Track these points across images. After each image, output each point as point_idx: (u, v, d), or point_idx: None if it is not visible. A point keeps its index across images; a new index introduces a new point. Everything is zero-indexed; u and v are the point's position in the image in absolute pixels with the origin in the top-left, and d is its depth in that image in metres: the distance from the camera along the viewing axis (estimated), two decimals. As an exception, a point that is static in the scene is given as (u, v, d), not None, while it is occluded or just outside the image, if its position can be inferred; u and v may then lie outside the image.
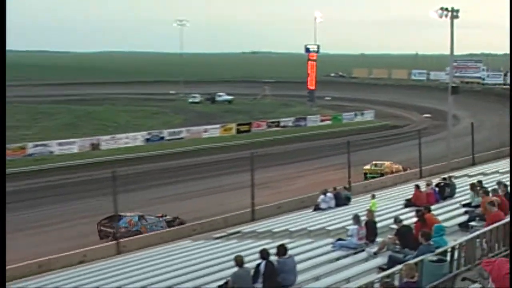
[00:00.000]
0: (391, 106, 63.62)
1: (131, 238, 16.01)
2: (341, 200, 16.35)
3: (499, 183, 12.25)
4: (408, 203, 13.97)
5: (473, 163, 24.94)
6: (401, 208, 13.96)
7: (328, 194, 16.36)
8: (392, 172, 25.89)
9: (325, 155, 33.50)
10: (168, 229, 17.01)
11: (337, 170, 26.22)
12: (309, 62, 60.14)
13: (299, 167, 29.87)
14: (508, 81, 73.90)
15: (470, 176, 18.86)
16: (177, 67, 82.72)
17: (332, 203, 16.16)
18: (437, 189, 14.31)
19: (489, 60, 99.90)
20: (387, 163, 26.99)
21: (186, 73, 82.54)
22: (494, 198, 10.21)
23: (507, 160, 21.50)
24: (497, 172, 18.64)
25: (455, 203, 13.37)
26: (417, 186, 14.45)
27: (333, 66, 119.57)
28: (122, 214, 16.95)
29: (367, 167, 26.25)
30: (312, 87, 60.41)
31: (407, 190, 17.48)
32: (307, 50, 60.50)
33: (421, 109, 60.15)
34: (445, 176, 16.20)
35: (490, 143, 36.17)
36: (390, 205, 14.88)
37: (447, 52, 25.72)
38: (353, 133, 43.85)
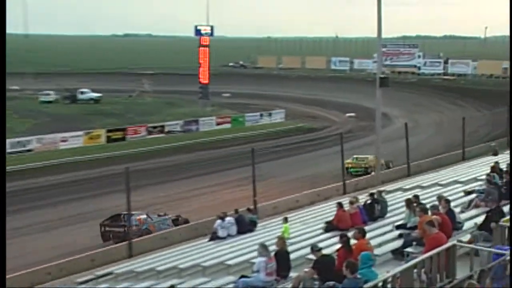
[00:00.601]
0: (306, 104, 66.73)
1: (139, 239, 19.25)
2: (245, 226, 16.83)
3: (440, 198, 13.04)
4: (329, 226, 14.51)
5: (408, 174, 26.32)
6: (321, 233, 14.51)
7: (228, 219, 16.73)
8: (374, 167, 29.84)
9: (223, 168, 34.25)
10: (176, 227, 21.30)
11: (239, 187, 27.13)
12: (201, 48, 59.95)
13: (190, 185, 30.05)
14: (450, 70, 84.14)
15: (404, 190, 20.03)
16: (21, 53, 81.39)
17: (233, 229, 16.56)
18: (364, 207, 15.02)
19: (426, 44, 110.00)
20: (370, 156, 32.20)
21: (34, 61, 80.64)
22: (434, 216, 10.76)
23: (450, 169, 24.42)
24: (437, 184, 19.92)
25: (387, 224, 14.09)
26: (340, 205, 14.91)
27: (232, 54, 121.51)
28: (124, 213, 20.38)
29: (349, 160, 31.01)
30: (206, 81, 60.50)
31: (327, 210, 18.37)
32: (198, 32, 60.28)
33: (343, 107, 63.93)
34: (374, 191, 16.96)
35: (429, 148, 39.38)
36: (307, 230, 15.41)
37: (374, 34, 26.76)
38: (259, 139, 45.40)
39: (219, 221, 16.69)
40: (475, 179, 19.25)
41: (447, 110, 59.96)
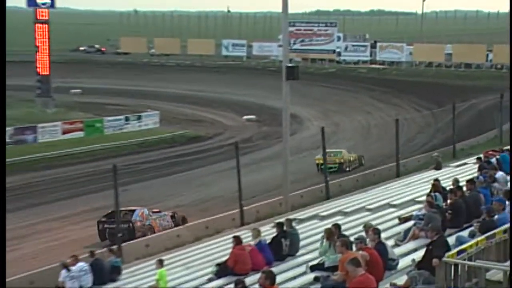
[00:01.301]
0: (189, 103, 67.41)
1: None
2: (104, 273, 16.78)
3: (367, 227, 13.56)
4: (222, 270, 14.63)
5: (328, 197, 27.15)
6: (210, 280, 14.69)
7: (80, 265, 16.55)
8: (349, 162, 38.07)
9: (73, 194, 34.17)
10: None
11: (94, 220, 26.86)
12: (38, 25, 58.73)
13: (23, 218, 29.80)
14: (378, 57, 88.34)
15: (322, 218, 20.78)
16: None
17: (88, 279, 16.36)
18: (269, 243, 15.24)
19: (347, 22, 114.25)
20: (344, 150, 39.03)
21: None
22: (361, 252, 11.20)
23: (381, 188, 25.69)
24: (364, 209, 20.92)
25: (299, 264, 14.45)
26: (237, 240, 14.96)
27: (84, 34, 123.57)
28: (123, 209, 24.81)
29: (319, 156, 35.53)
30: (46, 72, 59.38)
31: (219, 248, 18.70)
32: (32, 2, 58.88)
33: (240, 107, 65.30)
34: (282, 220, 17.22)
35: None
36: (191, 276, 15.56)
37: (278, 9, 27.22)
38: (125, 152, 45.51)
39: (64, 271, 16.44)
40: (413, 201, 20.16)
41: (376, 109, 62.89)
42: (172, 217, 27.65)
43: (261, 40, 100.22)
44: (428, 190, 18.18)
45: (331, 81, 77.42)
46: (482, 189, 16.94)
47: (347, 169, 37.74)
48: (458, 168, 26.78)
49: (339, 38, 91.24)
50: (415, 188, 23.42)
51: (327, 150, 35.78)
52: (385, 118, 55.28)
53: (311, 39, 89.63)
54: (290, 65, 28.19)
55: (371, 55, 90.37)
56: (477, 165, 22.47)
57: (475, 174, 20.35)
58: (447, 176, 23.19)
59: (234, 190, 26.49)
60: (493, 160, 22.37)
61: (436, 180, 18.66)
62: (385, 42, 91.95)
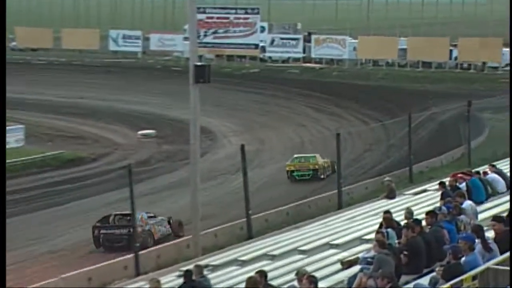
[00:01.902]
0: (66, 114, 66.78)
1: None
2: None
3: (300, 273, 13.69)
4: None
5: (249, 236, 27.51)
6: None
7: None
8: (324, 169, 42.81)
9: None
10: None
11: None
12: None
13: None
14: (315, 53, 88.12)
15: (243, 263, 21.02)
16: None
17: None
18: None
19: (273, 7, 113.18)
20: (317, 155, 43.88)
21: None
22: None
23: (318, 224, 25.93)
24: (296, 251, 21.15)
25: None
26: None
27: None
28: (117, 213, 32.09)
29: (289, 162, 43.17)
30: None
31: None
32: None
33: (134, 119, 65.12)
34: (190, 267, 17.18)
35: (283, 188, 41.98)
36: None
37: None
38: None
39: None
40: (359, 240, 20.49)
41: (312, 121, 63.78)
42: (169, 222, 33.11)
43: (161, 32, 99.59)
44: (378, 226, 18.44)
45: (254, 85, 78.24)
46: (446, 223, 17.12)
47: (322, 176, 42.43)
48: (416, 197, 27.40)
49: (263, 29, 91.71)
50: (361, 223, 23.79)
51: (297, 156, 43.49)
52: (323, 132, 56.14)
53: (227, 29, 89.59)
54: (199, 63, 28.32)
55: (304, 51, 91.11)
56: (439, 192, 22.92)
57: (437, 204, 20.70)
58: (402, 206, 23.51)
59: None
60: (463, 185, 22.80)
61: (388, 212, 18.98)
62: (322, 34, 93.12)
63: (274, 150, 53.17)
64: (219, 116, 62.20)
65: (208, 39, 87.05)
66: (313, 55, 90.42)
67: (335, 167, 40.38)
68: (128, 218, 30.25)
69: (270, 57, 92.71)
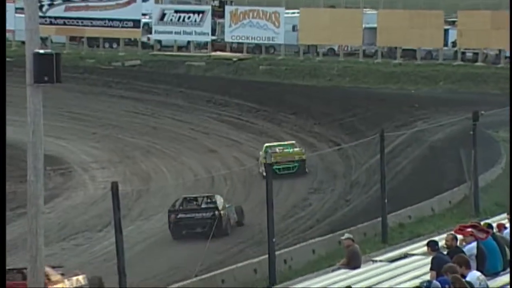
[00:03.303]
0: None
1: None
2: None
3: None
4: None
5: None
6: None
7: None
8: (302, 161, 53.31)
9: None
10: None
11: None
12: None
13: None
14: (229, 35, 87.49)
15: None
16: None
17: None
18: None
19: None
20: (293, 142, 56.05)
21: None
22: None
23: None
24: None
25: None
26: None
27: None
28: (193, 196, 45.65)
29: (263, 153, 51.14)
30: None
31: None
32: None
33: None
34: None
35: (185, 252, 42.29)
36: None
37: None
38: None
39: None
40: None
41: (231, 143, 63.98)
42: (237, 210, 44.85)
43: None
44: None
45: (133, 86, 79.27)
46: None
47: (307, 170, 52.06)
48: (393, 265, 27.44)
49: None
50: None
51: (269, 144, 53.04)
52: (246, 161, 56.68)
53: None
54: (42, 51, 27.87)
55: (214, 32, 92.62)
56: (429, 258, 22.87)
57: (426, 277, 20.90)
58: (371, 280, 23.64)
59: None
60: (468, 247, 22.56)
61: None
62: (243, 5, 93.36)
63: (166, 193, 52.99)
64: (77, 136, 62.03)
65: (57, 11, 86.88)
66: (228, 39, 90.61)
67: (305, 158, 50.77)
68: (208, 201, 41.06)
69: (159, 42, 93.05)
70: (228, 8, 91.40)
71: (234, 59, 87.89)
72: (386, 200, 36.52)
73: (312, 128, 65.25)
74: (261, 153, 49.79)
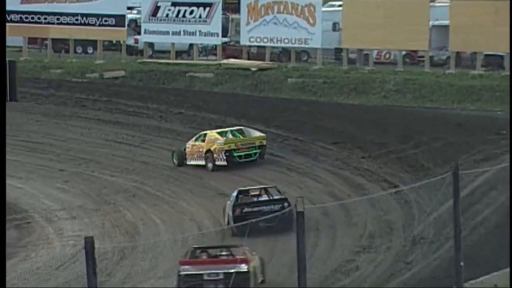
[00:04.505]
0: None
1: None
2: None
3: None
4: None
5: None
6: None
7: None
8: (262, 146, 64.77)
9: None
10: None
11: None
12: None
13: None
14: (245, 38, 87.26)
15: None
16: None
17: None
18: None
19: None
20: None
21: None
22: None
23: None
24: None
25: None
26: None
27: None
28: (242, 188, 56.52)
29: (222, 141, 62.91)
30: None
31: None
32: None
33: None
34: None
35: None
36: None
37: None
38: None
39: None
40: None
41: (233, 180, 63.41)
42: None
43: None
44: None
45: (116, 105, 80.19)
46: None
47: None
48: None
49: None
50: None
51: (220, 131, 59.56)
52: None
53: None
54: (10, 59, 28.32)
55: (226, 33, 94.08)
56: None
57: None
58: None
59: None
60: None
61: None
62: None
63: (158, 250, 53.03)
64: (38, 174, 62.30)
65: (11, 2, 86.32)
66: (244, 41, 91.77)
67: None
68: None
69: (150, 45, 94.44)
70: (245, 0, 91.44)
71: (253, 69, 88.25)
72: (462, 263, 36.44)
73: (360, 163, 65.41)
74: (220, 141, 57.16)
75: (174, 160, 68.37)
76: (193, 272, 43.87)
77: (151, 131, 73.52)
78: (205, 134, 66.77)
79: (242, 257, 43.84)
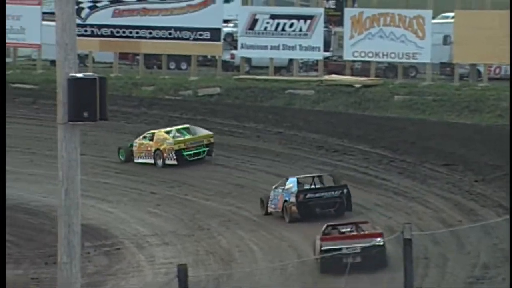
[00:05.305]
0: None
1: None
2: None
3: None
4: None
5: None
6: None
7: None
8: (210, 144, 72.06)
9: None
10: None
11: None
12: None
13: None
14: (348, 52, 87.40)
15: None
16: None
17: None
18: None
19: None
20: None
21: None
22: None
23: None
24: None
25: None
26: None
27: None
28: (300, 176, 64.74)
29: (172, 140, 59.72)
30: None
31: None
32: None
33: None
34: None
35: None
36: None
37: None
38: None
39: None
40: None
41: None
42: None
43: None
44: None
45: (210, 124, 78.73)
46: None
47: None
48: None
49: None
50: None
51: (168, 130, 61.64)
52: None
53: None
54: (79, 75, 27.79)
55: (329, 47, 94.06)
56: None
57: None
58: None
59: None
60: None
61: None
62: (370, 7, 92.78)
63: (254, 279, 53.07)
64: (128, 198, 62.29)
65: (102, 16, 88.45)
66: (348, 56, 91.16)
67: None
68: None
69: (247, 61, 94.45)
70: (348, 12, 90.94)
71: (357, 86, 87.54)
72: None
73: (473, 187, 64.70)
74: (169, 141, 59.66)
75: (121, 156, 72.26)
76: (334, 247, 49.59)
77: (248, 152, 73.58)
78: (153, 133, 71.41)
79: (378, 231, 50.08)
